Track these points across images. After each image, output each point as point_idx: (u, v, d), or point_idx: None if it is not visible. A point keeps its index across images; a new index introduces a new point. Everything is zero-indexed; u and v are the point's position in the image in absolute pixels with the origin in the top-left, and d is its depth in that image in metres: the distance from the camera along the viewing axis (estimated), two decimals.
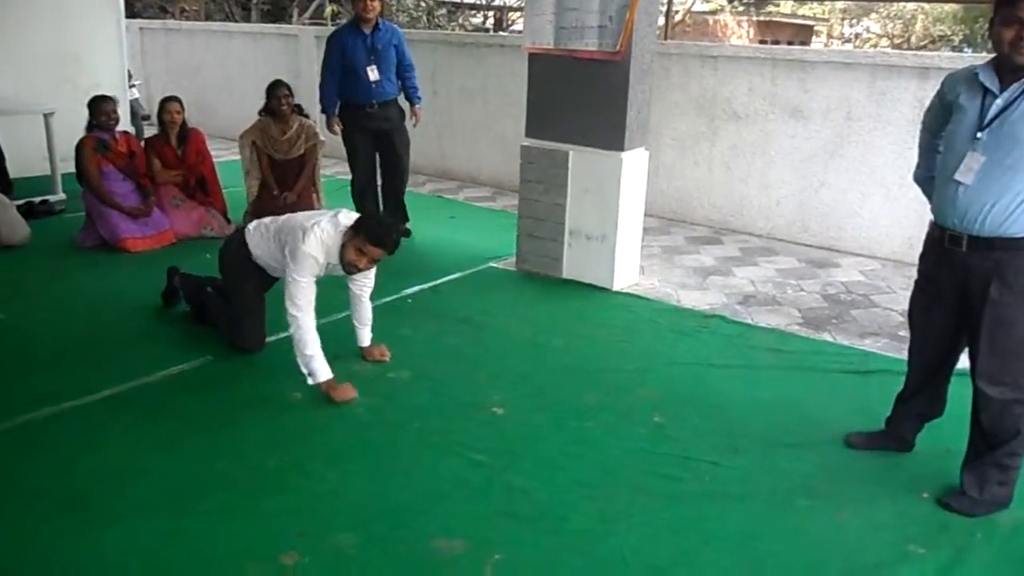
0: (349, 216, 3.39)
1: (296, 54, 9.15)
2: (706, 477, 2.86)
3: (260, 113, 5.71)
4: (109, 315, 4.19)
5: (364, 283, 3.59)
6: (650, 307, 4.55)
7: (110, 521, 2.49)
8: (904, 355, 3.89)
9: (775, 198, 6.07)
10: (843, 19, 27.71)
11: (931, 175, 2.78)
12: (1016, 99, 2.43)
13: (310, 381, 3.24)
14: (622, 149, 4.52)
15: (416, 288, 4.69)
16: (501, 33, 12.69)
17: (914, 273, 2.90)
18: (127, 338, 3.89)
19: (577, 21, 4.46)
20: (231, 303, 3.77)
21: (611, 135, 4.52)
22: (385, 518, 2.56)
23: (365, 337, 3.69)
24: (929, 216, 2.76)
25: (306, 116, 5.82)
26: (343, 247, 3.27)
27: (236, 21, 14.26)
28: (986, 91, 2.50)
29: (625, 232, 4.71)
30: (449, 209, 6.73)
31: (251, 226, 3.67)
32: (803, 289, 4.97)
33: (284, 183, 5.69)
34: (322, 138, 5.84)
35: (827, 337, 4.20)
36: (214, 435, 3.03)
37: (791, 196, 6.01)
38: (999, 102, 2.46)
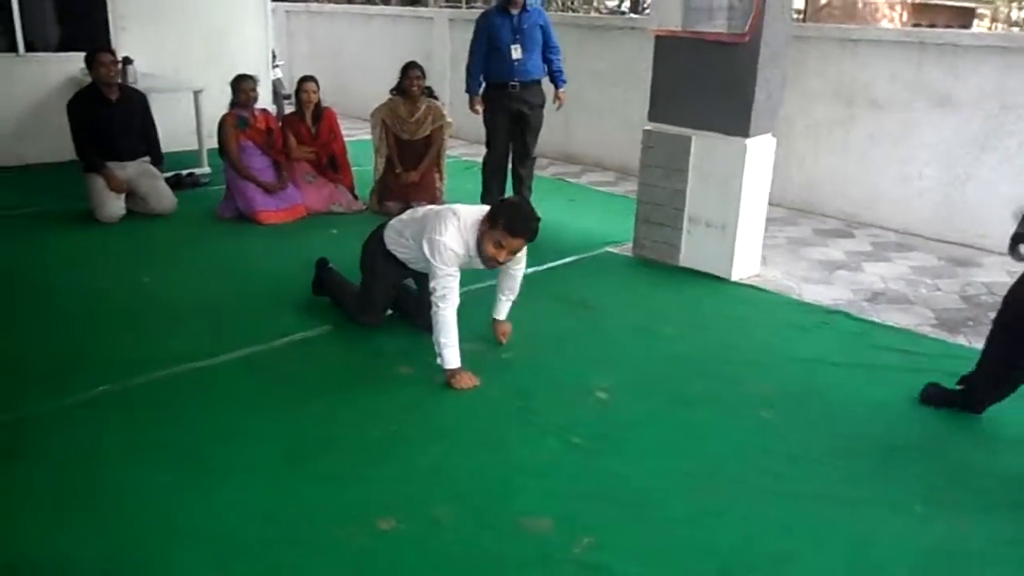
0: (473, 209, 3.36)
1: (430, 37, 9.33)
2: (814, 478, 2.75)
3: (392, 92, 5.86)
4: (240, 283, 4.42)
5: (516, 267, 3.53)
6: (769, 300, 4.40)
7: (223, 476, 2.64)
8: None
9: (915, 191, 5.72)
10: (1011, 1, 25.69)
11: None
12: None
13: (439, 362, 3.26)
14: (747, 135, 4.37)
15: (531, 270, 4.67)
16: (633, 16, 12.50)
17: None
18: (255, 305, 4.10)
19: (706, 3, 4.34)
20: (362, 287, 3.83)
21: (735, 120, 4.38)
22: (481, 493, 2.61)
23: (503, 310, 3.67)
24: None
25: (436, 98, 5.94)
26: (480, 241, 3.20)
27: (376, 4, 14.67)
28: None
29: (747, 221, 4.56)
30: (570, 192, 6.71)
31: (389, 225, 3.67)
32: (939, 288, 4.68)
33: (409, 162, 5.85)
34: (449, 119, 5.94)
35: (961, 340, 3.94)
36: (325, 402, 3.15)
37: (933, 189, 5.64)
38: None
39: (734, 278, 4.62)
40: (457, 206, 3.39)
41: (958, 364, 3.63)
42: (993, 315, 4.21)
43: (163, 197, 5.56)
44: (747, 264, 4.70)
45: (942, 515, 2.55)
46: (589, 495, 2.60)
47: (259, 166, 5.60)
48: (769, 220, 4.96)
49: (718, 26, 4.33)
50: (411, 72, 5.75)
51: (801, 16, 6.58)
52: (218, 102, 5.83)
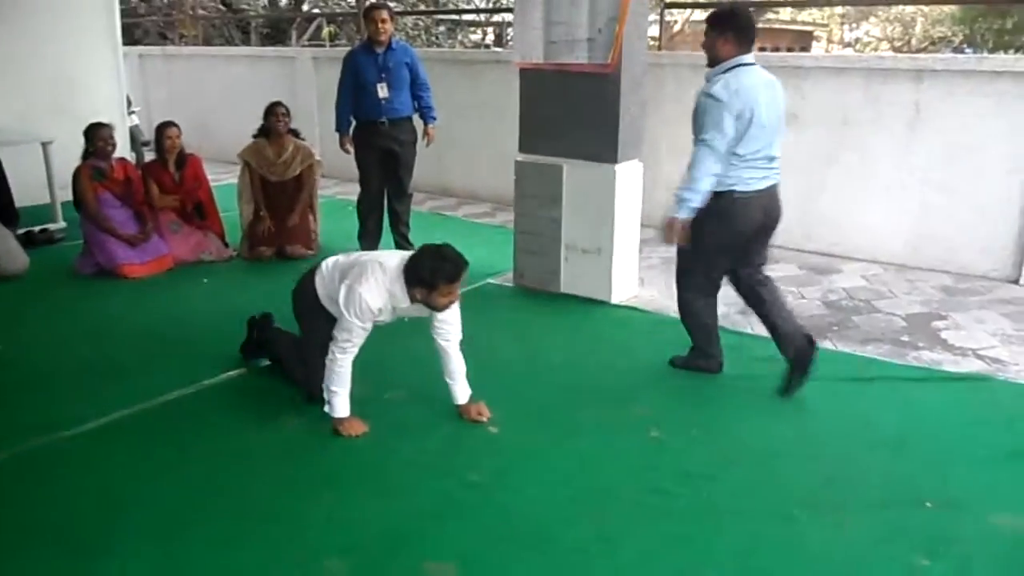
0: (397, 258, 3.15)
1: (294, 76, 9.19)
2: (703, 492, 2.82)
3: (254, 135, 5.73)
4: (106, 343, 4.18)
5: (448, 330, 3.23)
6: (649, 320, 4.52)
7: (103, 552, 2.47)
8: (908, 360, 3.87)
9: None
10: (843, 23, 27.72)
11: None
12: None
13: (326, 409, 3.16)
14: (615, 161, 4.50)
15: None
16: (496, 49, 12.75)
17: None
18: (123, 365, 3.88)
19: (566, 35, 4.46)
20: (303, 347, 3.48)
21: (604, 148, 4.51)
22: (378, 542, 2.54)
23: (461, 394, 3.31)
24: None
25: (302, 139, 5.84)
26: (425, 300, 3.02)
27: (236, 45, 14.35)
28: None
29: (622, 244, 4.69)
30: (448, 226, 6.71)
31: (324, 264, 3.38)
32: (804, 296, 4.93)
33: (280, 205, 5.71)
34: (319, 158, 5.85)
35: (828, 345, 4.16)
36: (208, 461, 3.01)
37: (790, 203, 5.88)
38: None
39: (614, 301, 4.73)
40: (384, 256, 3.21)
41: (824, 367, 3.82)
42: (856, 319, 4.49)
43: (14, 257, 5.19)
44: (625, 286, 4.82)
45: (822, 519, 2.66)
46: (488, 535, 2.58)
47: (119, 218, 5.33)
48: (643, 242, 5.10)
49: (579, 57, 4.45)
50: (276, 110, 5.66)
51: (657, 44, 6.89)
52: (70, 153, 5.52)
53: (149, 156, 7.08)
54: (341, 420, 3.15)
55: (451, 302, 3.08)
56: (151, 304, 4.77)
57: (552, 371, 3.85)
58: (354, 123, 5.52)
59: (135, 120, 9.02)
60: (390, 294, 3.05)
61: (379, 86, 5.36)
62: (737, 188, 3.40)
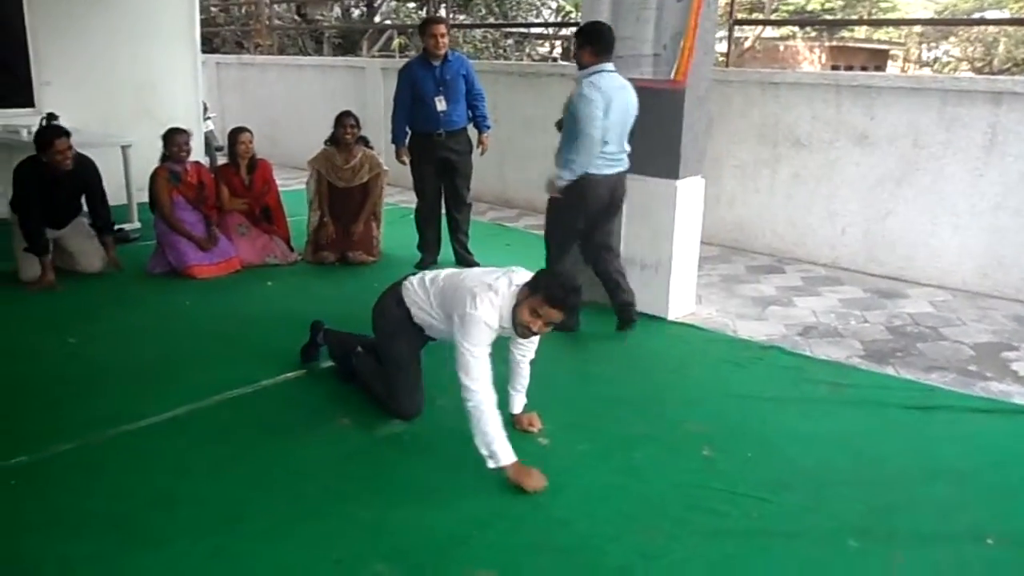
0: (523, 274, 3.08)
1: (363, 86, 9.37)
2: (753, 514, 2.77)
3: (326, 142, 5.87)
4: (171, 340, 4.31)
5: (528, 347, 3.27)
6: (705, 337, 4.47)
7: (155, 543, 2.55)
8: (974, 391, 3.76)
9: (840, 226, 5.91)
10: (920, 43, 26.99)
11: None
12: None
13: (490, 464, 2.86)
14: (676, 177, 4.47)
15: None
16: (563, 63, 12.81)
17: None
18: (186, 363, 3.99)
19: (632, 50, 4.46)
20: (384, 364, 3.49)
21: (665, 163, 4.49)
22: (423, 548, 2.56)
23: (518, 403, 3.36)
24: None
25: (371, 147, 5.96)
26: (516, 307, 2.96)
27: (309, 55, 14.71)
28: None
29: (680, 260, 4.65)
30: (507, 237, 6.76)
31: (410, 282, 3.38)
32: (867, 320, 4.82)
33: (346, 212, 5.83)
34: (386, 167, 5.96)
35: (890, 371, 4.06)
36: (260, 460, 3.08)
37: (857, 224, 5.85)
38: None
39: (670, 317, 4.69)
40: (488, 276, 3.11)
41: (887, 394, 3.75)
42: (920, 346, 4.37)
43: (92, 256, 5.39)
44: (683, 303, 4.78)
45: (876, 549, 2.59)
46: (533, 545, 2.58)
47: (191, 221, 5.50)
48: (702, 259, 5.06)
49: (645, 73, 4.44)
50: (345, 120, 5.77)
51: (724, 61, 6.84)
52: (148, 156, 5.73)
53: (222, 160, 7.32)
54: (520, 470, 2.87)
55: (544, 329, 3.00)
56: (216, 304, 4.91)
57: (605, 384, 3.84)
58: (410, 134, 5.63)
59: (210, 126, 9.32)
60: (500, 314, 2.98)
61: (437, 99, 5.47)
62: (591, 171, 4.10)
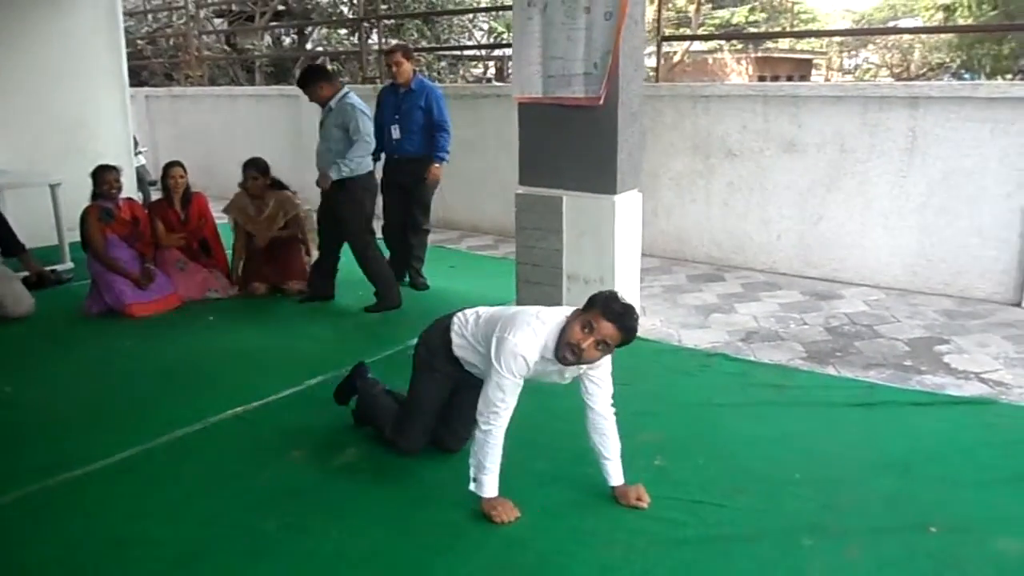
0: (557, 310, 2.91)
1: (299, 114, 9.30)
2: (710, 520, 2.82)
3: (240, 185, 5.79)
4: (114, 382, 4.20)
5: (596, 383, 2.89)
6: (651, 348, 4.54)
7: None
8: (911, 385, 3.88)
9: (775, 232, 6.07)
10: (841, 52, 27.95)
11: None
12: None
13: (472, 487, 2.83)
14: (614, 192, 4.55)
15: (415, 340, 4.67)
16: (498, 83, 12.94)
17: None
18: (130, 404, 3.90)
19: (563, 69, 4.53)
20: (406, 398, 3.33)
21: (603, 179, 4.55)
22: (385, 574, 2.54)
23: (615, 473, 2.92)
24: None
25: (285, 188, 5.86)
26: (564, 328, 2.72)
27: (241, 84, 14.55)
28: None
29: (623, 273, 4.71)
30: (450, 259, 6.76)
31: (463, 314, 3.15)
32: (806, 322, 4.95)
33: (271, 247, 5.77)
34: (306, 207, 5.88)
35: (831, 370, 4.17)
36: (214, 498, 3.02)
37: (791, 230, 6.01)
38: None
39: None
40: (541, 309, 2.92)
41: (830, 393, 3.86)
42: (858, 344, 4.50)
43: (20, 299, 5.23)
44: None
45: (829, 545, 2.66)
46: (493, 566, 2.58)
47: (125, 258, 5.38)
48: (644, 271, 5.14)
49: (576, 91, 4.51)
50: (248, 172, 5.70)
51: (655, 76, 6.99)
52: (79, 194, 5.59)
53: (156, 195, 7.19)
54: (492, 501, 2.81)
55: (594, 352, 2.70)
56: (158, 342, 4.81)
57: (554, 399, 3.83)
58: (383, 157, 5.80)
59: (142, 160, 9.14)
60: (544, 346, 2.75)
61: (392, 127, 5.67)
62: (359, 171, 5.13)
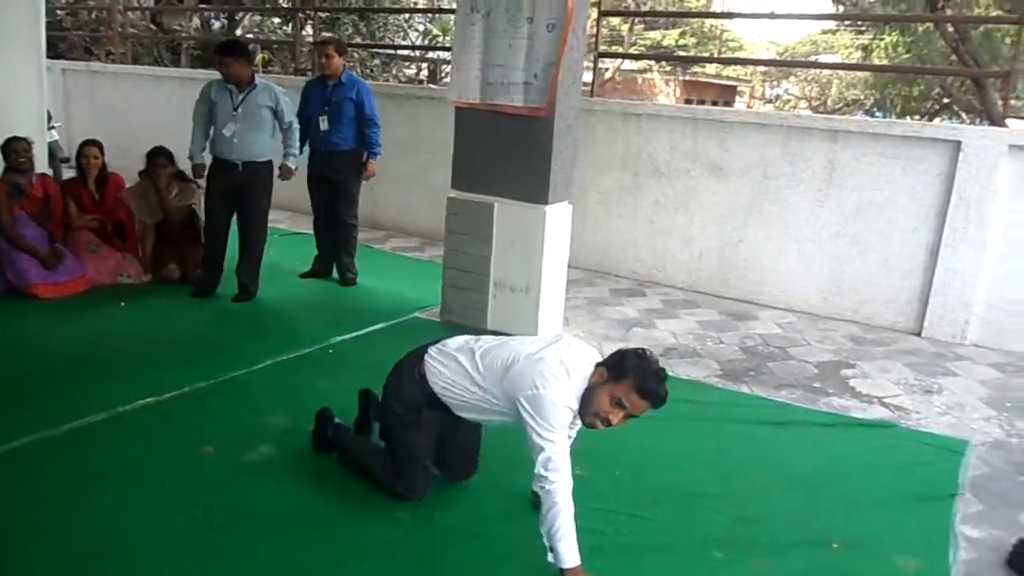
0: (586, 351, 2.70)
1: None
2: (626, 530, 2.87)
3: (140, 175, 5.62)
4: (15, 366, 4.00)
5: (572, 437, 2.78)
6: None
7: None
8: (819, 406, 4.03)
9: (697, 251, 6.23)
10: (764, 81, 28.91)
11: None
12: None
13: (550, 559, 2.49)
14: (546, 202, 4.59)
15: (338, 339, 4.63)
16: (431, 85, 12.88)
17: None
18: (33, 389, 3.72)
19: (503, 77, 4.55)
20: (393, 451, 2.95)
21: (535, 189, 4.60)
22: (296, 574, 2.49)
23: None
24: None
25: (188, 180, 5.67)
26: (591, 393, 2.53)
27: (165, 65, 14.08)
28: None
29: (549, 284, 4.76)
30: (376, 259, 6.69)
31: (431, 358, 2.86)
32: (722, 341, 5.09)
33: (176, 233, 5.64)
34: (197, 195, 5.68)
35: (744, 388, 4.30)
36: (121, 491, 2.91)
37: (712, 250, 6.18)
38: None
39: None
40: (555, 347, 2.66)
41: (743, 411, 3.98)
42: (771, 365, 4.64)
43: None
44: (550, 325, 4.88)
45: (738, 558, 2.74)
46: (414, 570, 2.57)
47: (33, 236, 5.13)
48: (569, 282, 5.20)
49: (515, 100, 4.54)
50: (156, 159, 5.57)
51: (590, 91, 7.11)
52: None
53: (68, 173, 6.88)
54: (576, 572, 2.46)
55: (621, 423, 2.56)
56: (64, 326, 4.60)
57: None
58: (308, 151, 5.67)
59: (55, 135, 8.72)
60: (574, 394, 2.55)
61: (321, 119, 5.54)
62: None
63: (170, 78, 10.26)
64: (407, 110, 7.68)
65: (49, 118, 8.24)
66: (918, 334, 5.39)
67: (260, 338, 4.60)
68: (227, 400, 3.72)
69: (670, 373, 4.31)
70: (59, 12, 14.31)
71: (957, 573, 2.75)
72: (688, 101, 25.40)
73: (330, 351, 4.48)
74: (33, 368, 3.99)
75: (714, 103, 24.71)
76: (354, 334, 4.73)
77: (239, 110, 5.05)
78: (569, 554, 2.45)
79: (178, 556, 2.55)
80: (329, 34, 5.22)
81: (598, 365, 2.57)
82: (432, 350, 2.89)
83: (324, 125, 5.55)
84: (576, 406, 2.53)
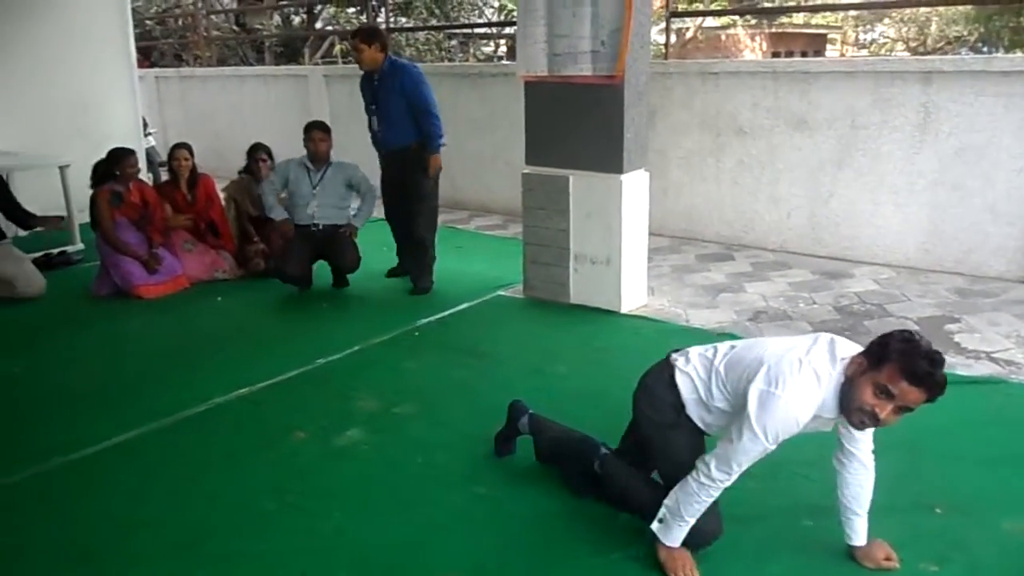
0: (844, 345, 2.34)
1: (306, 94, 9.29)
2: (720, 499, 2.80)
3: (240, 172, 5.80)
4: (122, 362, 4.24)
5: (863, 439, 2.43)
6: (658, 328, 4.51)
7: (115, 570, 2.50)
8: None
9: (785, 211, 6.02)
10: (857, 26, 27.58)
11: None
12: None
13: (655, 527, 2.41)
14: (621, 172, 4.51)
15: (424, 320, 4.70)
16: (506, 62, 12.83)
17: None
18: (138, 384, 3.93)
19: (570, 47, 4.48)
20: (661, 471, 2.61)
21: (609, 158, 4.52)
22: (387, 555, 2.56)
23: (862, 531, 2.45)
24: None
25: None
26: (851, 385, 2.19)
27: (250, 64, 14.52)
28: None
29: (630, 254, 4.69)
30: (459, 240, 6.75)
31: (685, 358, 2.57)
32: (815, 302, 4.91)
33: (264, 238, 5.76)
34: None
35: None
36: (217, 480, 3.03)
37: (801, 208, 5.95)
38: None
39: (624, 310, 4.73)
40: (804, 349, 2.30)
41: None
42: (867, 323, 4.46)
43: (31, 279, 5.28)
44: (635, 295, 4.82)
45: (832, 524, 2.64)
46: (497, 545, 2.59)
47: (134, 241, 5.40)
48: (653, 250, 5.11)
49: (584, 69, 4.47)
50: (256, 154, 5.74)
51: (664, 53, 6.95)
52: (87, 175, 5.61)
53: (165, 177, 7.20)
54: (672, 552, 2.40)
55: (893, 418, 2.19)
56: (166, 323, 4.83)
57: (561, 381, 3.86)
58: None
59: (151, 142, 9.16)
60: (822, 404, 2.23)
61: (372, 118, 5.22)
62: None
63: (254, 76, 10.59)
64: (481, 89, 7.68)
65: (145, 125, 8.66)
66: None
67: (348, 325, 4.71)
68: (317, 387, 3.83)
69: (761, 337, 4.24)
70: (148, 22, 14.93)
71: None
72: (775, 54, 24.51)
73: (416, 333, 4.54)
74: (138, 364, 4.20)
75: (803, 54, 23.75)
76: (440, 315, 4.79)
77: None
78: (678, 536, 2.39)
79: (271, 540, 2.64)
80: (363, 24, 4.86)
81: (859, 356, 2.23)
82: (678, 353, 2.63)
83: (375, 125, 5.19)
84: (809, 415, 2.21)
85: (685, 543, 2.43)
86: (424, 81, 5.11)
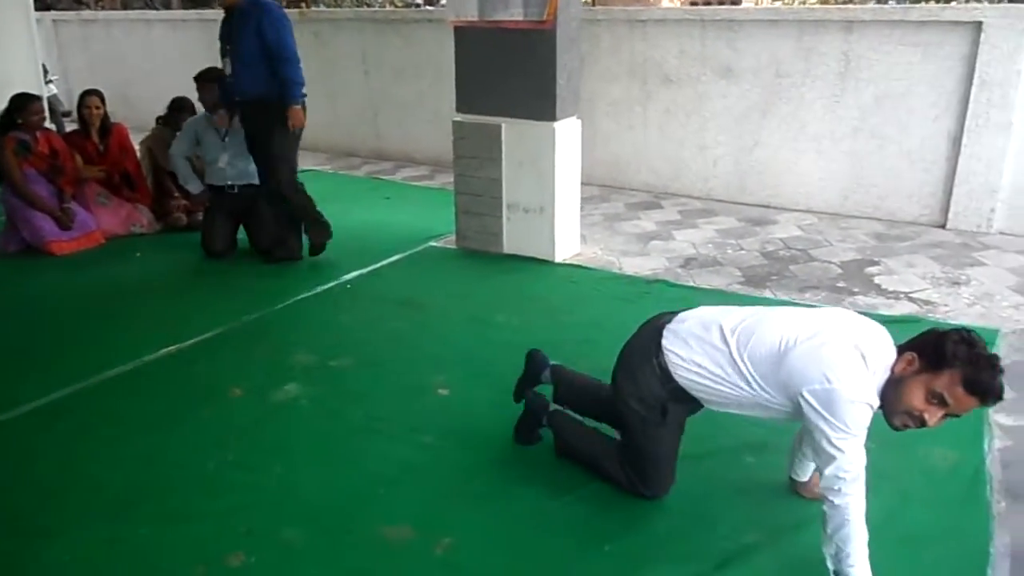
0: (875, 329, 2.17)
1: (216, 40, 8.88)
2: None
3: (158, 121, 5.55)
4: (38, 322, 4.05)
5: None
6: (592, 276, 4.55)
7: (48, 535, 2.41)
8: (844, 306, 3.97)
9: (711, 159, 6.10)
10: None
11: None
12: None
13: None
14: (554, 119, 4.48)
15: (355, 273, 4.61)
16: (428, 8, 12.54)
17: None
18: (58, 344, 3.76)
19: None
20: (629, 441, 2.56)
21: (542, 106, 4.48)
22: (333, 509, 2.53)
23: (809, 468, 2.53)
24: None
25: None
26: (899, 386, 2.04)
27: (156, 9, 13.80)
28: None
29: (563, 202, 4.69)
30: (385, 191, 6.63)
31: (669, 338, 2.40)
32: (743, 248, 5.02)
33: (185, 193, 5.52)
34: None
35: (768, 294, 4.25)
36: (152, 439, 2.94)
37: (727, 156, 6.04)
38: None
39: (558, 259, 4.74)
40: (840, 326, 2.18)
41: None
42: (793, 268, 4.58)
43: None
44: (568, 244, 4.83)
45: (772, 461, 2.74)
46: (444, 495, 2.59)
47: (44, 194, 5.10)
48: (584, 199, 5.12)
49: (515, 14, 4.39)
50: (179, 114, 5.47)
51: (591, 0, 6.92)
52: None
53: (70, 127, 6.81)
54: None
55: (939, 423, 2.05)
56: (82, 281, 4.62)
57: (498, 331, 3.85)
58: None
59: (53, 89, 8.66)
60: (874, 387, 2.07)
61: (224, 61, 4.57)
62: None
63: (160, 21, 10.06)
64: (405, 35, 7.49)
65: (45, 72, 8.16)
66: (943, 226, 5.28)
67: (275, 281, 4.58)
68: (249, 343, 3.74)
69: (692, 283, 4.34)
70: None
71: (992, 462, 2.74)
72: (693, 4, 24.63)
73: (348, 286, 4.46)
74: (56, 325, 4.02)
75: (721, 3, 23.93)
76: (371, 267, 4.71)
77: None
78: (866, 565, 2.07)
79: (213, 498, 2.58)
80: None
81: (903, 349, 2.09)
82: (668, 334, 2.41)
83: (228, 68, 4.52)
84: (877, 402, 2.05)
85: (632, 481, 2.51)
86: (286, 24, 4.45)
